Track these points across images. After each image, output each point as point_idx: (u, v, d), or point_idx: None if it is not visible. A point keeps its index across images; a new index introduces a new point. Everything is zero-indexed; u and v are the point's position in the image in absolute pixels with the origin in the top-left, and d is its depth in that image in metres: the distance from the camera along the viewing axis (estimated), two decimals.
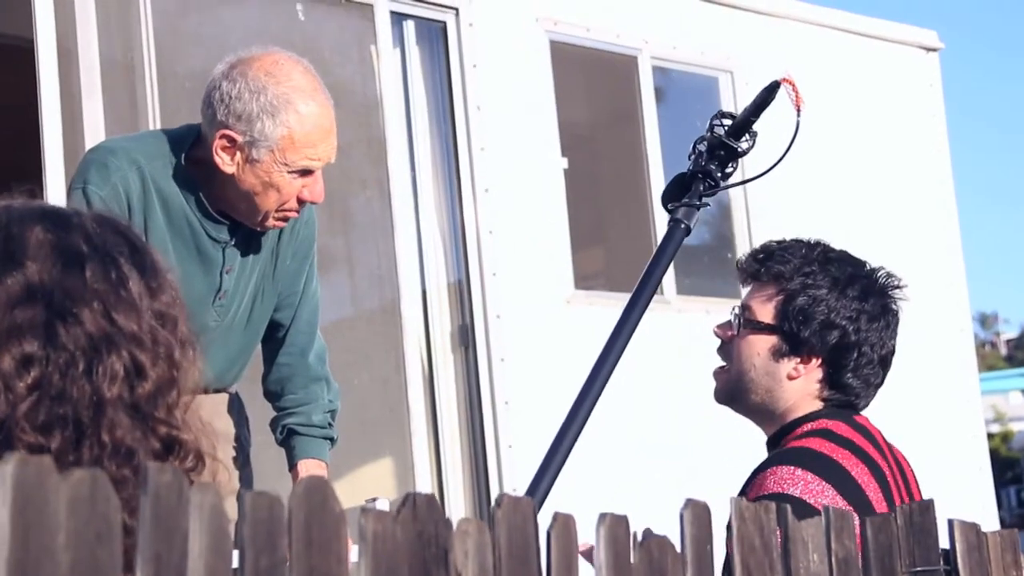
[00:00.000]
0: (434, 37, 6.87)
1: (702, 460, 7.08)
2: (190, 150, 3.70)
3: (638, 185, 7.55)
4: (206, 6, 6.63)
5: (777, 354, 3.20)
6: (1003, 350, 72.58)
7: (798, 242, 3.29)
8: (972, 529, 2.18)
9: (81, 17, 5.72)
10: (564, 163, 7.15)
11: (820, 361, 3.19)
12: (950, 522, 2.18)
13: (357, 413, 6.61)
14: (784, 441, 3.19)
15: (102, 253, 1.88)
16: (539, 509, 2.52)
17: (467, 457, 6.59)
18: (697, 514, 1.88)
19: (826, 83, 8.46)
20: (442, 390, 6.57)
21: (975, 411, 8.84)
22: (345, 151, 6.91)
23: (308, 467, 3.91)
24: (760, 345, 3.22)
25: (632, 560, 1.82)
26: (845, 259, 3.27)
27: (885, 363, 3.24)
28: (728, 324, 3.28)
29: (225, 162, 3.61)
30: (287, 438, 3.94)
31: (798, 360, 3.20)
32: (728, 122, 3.12)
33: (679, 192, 3.13)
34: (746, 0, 8.11)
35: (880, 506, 3.03)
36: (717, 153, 3.11)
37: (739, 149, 3.11)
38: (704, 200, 3.11)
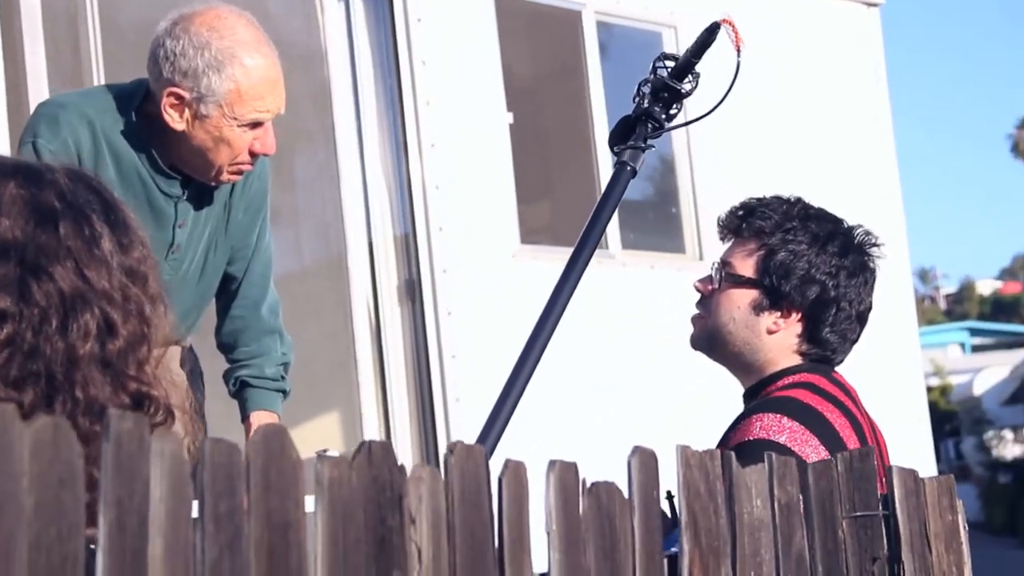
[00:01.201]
0: None
1: (646, 412, 7.14)
2: (141, 105, 3.71)
3: (583, 140, 7.58)
4: None
5: (757, 308, 3.24)
6: (942, 304, 73.05)
7: (778, 199, 3.33)
8: (910, 475, 2.23)
9: None
10: (509, 118, 7.16)
11: (800, 315, 3.23)
12: (889, 468, 2.23)
13: (305, 366, 6.63)
14: (764, 393, 3.23)
15: (75, 210, 1.90)
16: (488, 459, 2.56)
17: (415, 410, 6.63)
18: (644, 461, 1.93)
19: (768, 39, 8.50)
20: (389, 344, 6.60)
21: (915, 364, 8.94)
22: (290, 105, 6.88)
23: (260, 419, 3.94)
24: (740, 299, 3.26)
25: (581, 506, 1.86)
26: (824, 216, 3.31)
27: (862, 319, 3.28)
28: (708, 279, 3.31)
29: (174, 119, 3.62)
30: (240, 390, 3.97)
31: (778, 314, 3.23)
32: (671, 64, 3.15)
33: (625, 135, 3.16)
34: None
35: None
36: (661, 95, 3.13)
37: (682, 91, 3.13)
38: (649, 143, 3.13)
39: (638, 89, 3.16)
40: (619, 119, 3.21)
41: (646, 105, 3.12)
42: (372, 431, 6.36)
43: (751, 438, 3.04)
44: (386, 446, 1.69)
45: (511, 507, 1.79)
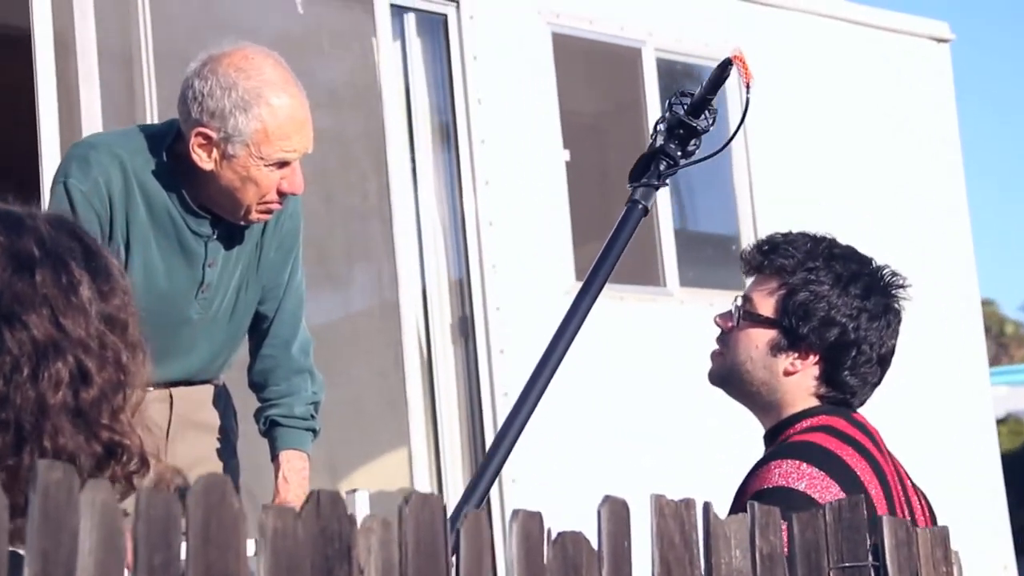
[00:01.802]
0: (435, 29, 6.87)
1: (704, 453, 7.08)
2: (172, 145, 3.73)
3: None
4: None
5: (775, 348, 3.18)
6: None
7: (804, 236, 3.27)
8: (902, 525, 2.18)
9: (79, 7, 5.75)
10: (566, 155, 7.14)
11: (818, 358, 3.17)
12: (879, 518, 2.18)
13: (356, 405, 6.63)
14: (783, 436, 3.18)
15: (54, 257, 1.90)
16: (480, 503, 2.54)
17: (466, 449, 6.60)
18: (615, 510, 1.89)
19: (836, 75, 8.44)
20: (441, 382, 6.58)
21: (985, 400, 8.81)
22: (345, 144, 6.93)
23: (289, 458, 3.93)
24: (759, 338, 3.20)
25: (546, 556, 1.83)
26: (850, 255, 3.24)
27: (884, 362, 3.22)
28: (729, 314, 3.27)
29: (203, 159, 3.64)
30: (269, 429, 3.97)
31: (796, 355, 3.17)
32: (687, 101, 3.12)
33: (643, 172, 3.13)
34: None
35: (880, 504, 3.02)
36: (677, 132, 3.11)
37: (698, 127, 3.10)
38: (663, 180, 3.10)
39: (655, 127, 3.14)
40: (640, 156, 3.18)
41: (660, 142, 3.09)
42: (422, 470, 6.34)
43: (770, 485, 2.98)
44: (335, 496, 1.67)
45: (469, 560, 1.76)
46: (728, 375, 3.25)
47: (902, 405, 7.72)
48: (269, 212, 3.74)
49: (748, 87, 3.00)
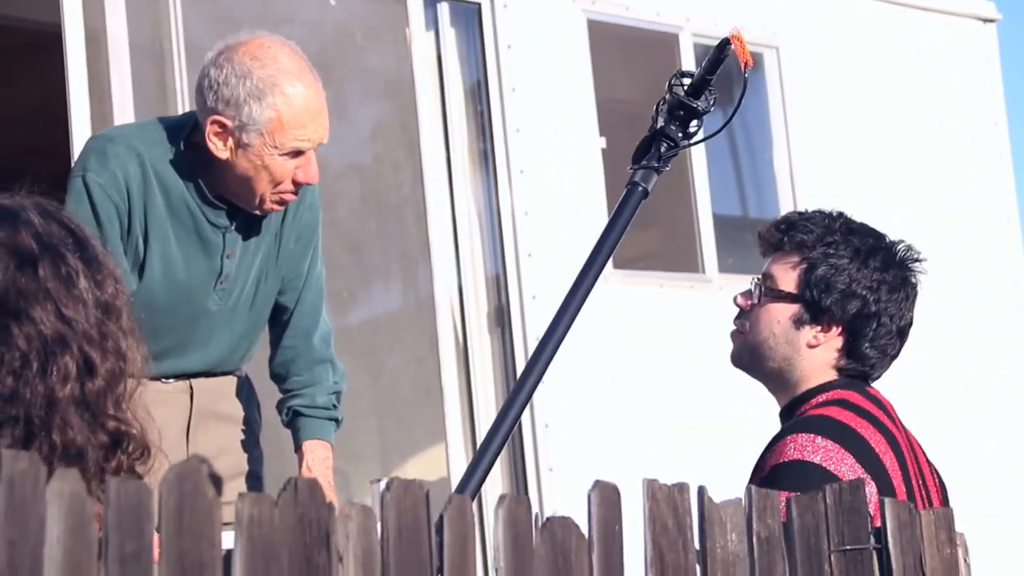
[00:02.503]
0: (469, 19, 6.85)
1: (745, 440, 7.03)
2: (190, 136, 3.73)
3: (680, 165, 7.50)
4: None
5: (798, 322, 3.23)
6: None
7: (820, 213, 3.32)
8: (904, 507, 2.15)
9: (110, 2, 5.76)
10: (602, 143, 7.11)
11: (840, 330, 3.22)
12: (881, 500, 2.16)
13: (393, 395, 6.62)
14: (799, 411, 3.21)
15: (52, 250, 1.91)
16: (479, 488, 2.53)
17: None
18: (605, 495, 1.88)
19: (878, 57, 8.37)
20: (478, 371, 6.57)
21: None
22: (379, 134, 6.92)
23: (312, 448, 3.93)
24: (781, 313, 3.24)
25: (534, 541, 1.81)
26: (866, 230, 3.30)
27: (903, 334, 3.27)
28: (749, 293, 3.32)
29: (218, 148, 3.64)
30: (292, 419, 3.97)
31: (818, 328, 3.22)
32: (687, 82, 3.13)
33: (643, 154, 3.15)
34: None
35: (896, 476, 3.06)
36: (677, 113, 3.11)
37: (699, 108, 3.10)
38: (664, 163, 3.11)
39: (656, 108, 3.14)
40: (642, 138, 3.19)
41: (661, 124, 3.10)
42: (459, 459, 6.33)
43: (786, 460, 3.03)
44: (313, 483, 1.66)
45: (453, 546, 1.74)
46: (752, 353, 3.30)
47: (946, 393, 7.65)
48: (283, 203, 3.74)
49: (745, 68, 3.00)
